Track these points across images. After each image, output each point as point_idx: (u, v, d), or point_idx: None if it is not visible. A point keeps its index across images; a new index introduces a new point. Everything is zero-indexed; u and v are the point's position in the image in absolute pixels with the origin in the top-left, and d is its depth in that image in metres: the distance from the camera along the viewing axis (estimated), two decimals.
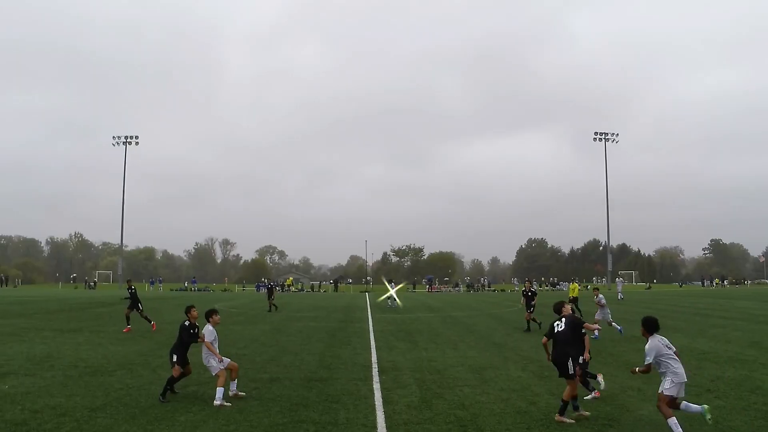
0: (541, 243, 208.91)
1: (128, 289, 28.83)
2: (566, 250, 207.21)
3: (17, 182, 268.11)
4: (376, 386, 14.50)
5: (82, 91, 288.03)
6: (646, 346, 10.36)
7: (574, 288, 37.74)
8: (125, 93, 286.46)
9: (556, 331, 11.89)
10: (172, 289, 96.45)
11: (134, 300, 28.32)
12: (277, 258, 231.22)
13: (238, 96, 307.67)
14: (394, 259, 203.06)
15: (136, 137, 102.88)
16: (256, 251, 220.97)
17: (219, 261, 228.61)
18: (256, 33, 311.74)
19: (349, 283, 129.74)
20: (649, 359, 10.23)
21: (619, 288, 63.33)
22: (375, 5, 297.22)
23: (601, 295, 27.61)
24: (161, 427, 10.62)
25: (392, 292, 50.93)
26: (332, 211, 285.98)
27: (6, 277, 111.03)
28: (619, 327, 25.97)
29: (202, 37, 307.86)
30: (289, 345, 22.60)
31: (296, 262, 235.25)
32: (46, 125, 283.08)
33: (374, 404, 12.51)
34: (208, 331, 13.05)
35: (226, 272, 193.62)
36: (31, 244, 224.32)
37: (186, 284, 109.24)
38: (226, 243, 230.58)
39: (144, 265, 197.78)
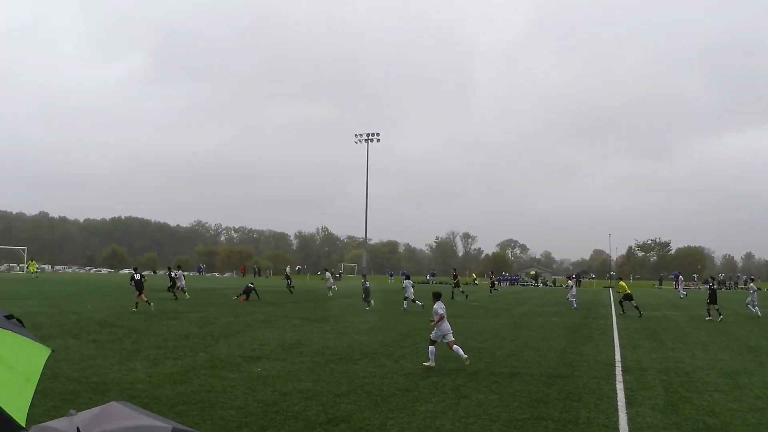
0: None
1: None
2: None
3: (271, 182, 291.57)
4: (619, 386, 14.09)
5: (336, 97, 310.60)
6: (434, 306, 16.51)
7: (623, 286, 37.27)
8: (380, 98, 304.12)
9: None
10: (414, 282, 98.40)
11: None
12: (518, 252, 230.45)
13: (483, 98, 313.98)
14: (639, 253, 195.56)
15: (377, 134, 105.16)
16: (497, 245, 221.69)
17: (460, 254, 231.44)
18: (501, 42, 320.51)
19: (592, 278, 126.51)
20: (441, 311, 16.25)
21: (681, 287, 61.10)
22: (609, 11, 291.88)
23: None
24: (402, 416, 10.96)
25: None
26: (575, 205, 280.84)
27: (259, 268, 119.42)
28: None
29: (453, 49, 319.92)
30: (530, 340, 22.50)
31: (538, 256, 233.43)
32: (300, 129, 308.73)
33: (617, 405, 12.16)
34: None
35: (468, 265, 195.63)
36: (281, 238, 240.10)
37: (428, 277, 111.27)
38: (467, 236, 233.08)
39: (387, 258, 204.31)
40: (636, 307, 34.79)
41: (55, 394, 11.79)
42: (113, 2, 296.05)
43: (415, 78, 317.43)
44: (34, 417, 8.87)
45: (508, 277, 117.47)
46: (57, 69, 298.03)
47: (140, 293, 30.77)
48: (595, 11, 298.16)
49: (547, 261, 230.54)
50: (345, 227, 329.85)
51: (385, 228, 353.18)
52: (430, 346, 16.16)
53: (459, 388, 13.35)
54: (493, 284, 63.61)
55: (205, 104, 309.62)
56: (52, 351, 3.40)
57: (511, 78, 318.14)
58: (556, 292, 71.53)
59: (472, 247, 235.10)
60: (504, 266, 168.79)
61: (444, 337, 16.12)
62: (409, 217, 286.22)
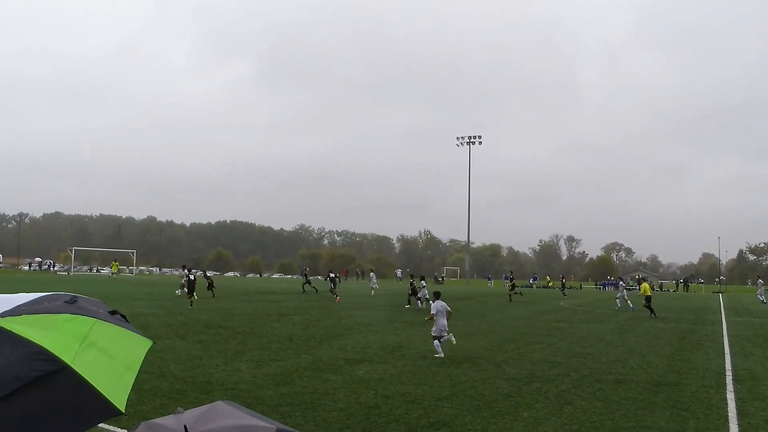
0: None
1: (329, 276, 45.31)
2: None
3: (374, 186, 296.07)
4: (730, 396, 13.60)
5: (439, 101, 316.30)
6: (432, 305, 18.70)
7: (645, 287, 37.82)
8: (482, 101, 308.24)
9: None
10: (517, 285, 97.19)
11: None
12: (623, 255, 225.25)
13: (586, 99, 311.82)
14: (751, 257, 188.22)
15: (479, 137, 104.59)
16: (602, 248, 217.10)
17: (564, 258, 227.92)
18: (605, 42, 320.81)
19: (701, 282, 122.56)
20: (433, 311, 18.36)
21: (760, 290, 59.44)
22: (715, 7, 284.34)
23: None
24: (504, 421, 10.86)
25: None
26: (682, 206, 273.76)
27: (362, 272, 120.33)
28: None
29: (555, 50, 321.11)
30: (636, 346, 21.94)
31: (644, 259, 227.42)
32: (403, 133, 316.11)
33: (727, 416, 11.72)
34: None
35: (572, 269, 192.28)
36: (383, 241, 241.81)
37: (530, 281, 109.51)
38: (571, 240, 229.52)
39: (490, 261, 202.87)
40: (651, 309, 36.30)
41: (162, 392, 12.24)
42: (220, 12, 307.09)
43: (517, 80, 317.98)
44: (142, 413, 9.24)
45: (613, 281, 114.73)
46: (165, 78, 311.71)
47: (190, 293, 33.57)
48: (700, 8, 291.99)
49: (654, 265, 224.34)
50: (447, 230, 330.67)
51: (487, 231, 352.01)
52: (434, 341, 18.22)
53: (563, 395, 13.15)
54: (564, 286, 64.54)
55: (309, 110, 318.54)
56: (154, 343, 3.53)
57: (616, 78, 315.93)
58: (662, 296, 69.39)
59: (576, 251, 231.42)
60: (609, 270, 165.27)
61: (442, 333, 18.29)
62: (512, 220, 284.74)
